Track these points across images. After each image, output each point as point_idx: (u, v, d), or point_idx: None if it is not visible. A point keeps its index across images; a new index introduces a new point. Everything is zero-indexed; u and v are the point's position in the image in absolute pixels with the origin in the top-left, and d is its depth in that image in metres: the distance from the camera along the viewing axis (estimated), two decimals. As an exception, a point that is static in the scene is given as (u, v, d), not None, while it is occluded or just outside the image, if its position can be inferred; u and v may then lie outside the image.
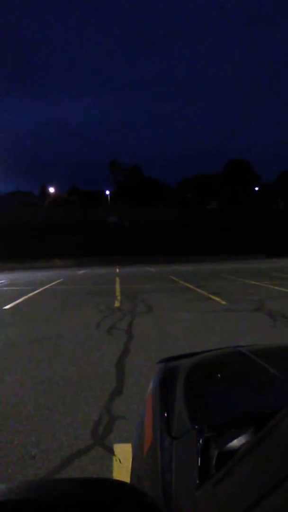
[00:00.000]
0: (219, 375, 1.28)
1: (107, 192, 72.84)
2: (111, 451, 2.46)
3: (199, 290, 11.65)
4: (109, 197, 71.69)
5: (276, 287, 11.51)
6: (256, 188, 72.52)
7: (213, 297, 9.85)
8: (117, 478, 2.13)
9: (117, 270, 26.34)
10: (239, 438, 0.78)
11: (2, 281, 19.10)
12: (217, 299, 9.46)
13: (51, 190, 67.73)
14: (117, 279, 17.29)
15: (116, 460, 2.35)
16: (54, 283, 16.61)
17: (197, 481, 0.71)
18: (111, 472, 2.23)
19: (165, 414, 1.01)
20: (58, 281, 17.77)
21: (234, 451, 0.71)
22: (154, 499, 0.75)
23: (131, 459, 1.21)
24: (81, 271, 26.57)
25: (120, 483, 0.59)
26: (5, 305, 9.63)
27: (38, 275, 23.84)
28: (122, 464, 2.29)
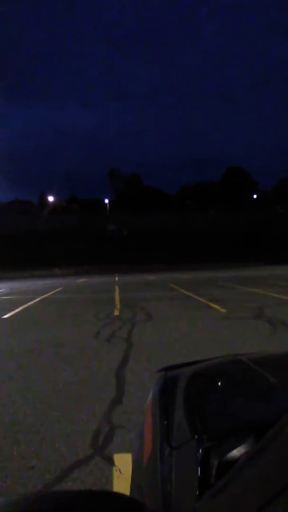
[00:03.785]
0: (219, 384, 1.28)
1: (106, 201, 73.09)
2: (111, 461, 2.44)
3: (198, 298, 11.63)
4: (108, 206, 71.90)
5: (275, 295, 11.50)
6: (255, 196, 72.89)
7: (212, 304, 9.84)
8: (117, 488, 2.11)
9: (116, 278, 26.30)
10: (239, 447, 0.77)
11: (2, 290, 19.05)
12: (216, 306, 9.44)
13: (50, 199, 67.90)
14: (116, 288, 17.26)
15: (116, 470, 2.33)
16: (53, 291, 16.58)
17: (197, 492, 0.71)
18: (111, 482, 2.21)
19: (165, 424, 1.00)
20: (57, 289, 17.74)
21: (234, 461, 0.71)
22: None
23: (131, 469, 1.20)
24: (81, 280, 26.53)
25: (120, 496, 0.59)
26: (4, 314, 9.60)
27: (38, 283, 23.79)
28: (122, 474, 2.27)
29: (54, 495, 0.66)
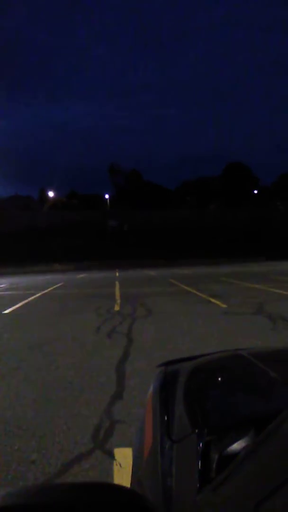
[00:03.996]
0: (219, 379, 1.28)
1: (107, 196, 72.91)
2: (111, 455, 2.45)
3: (198, 293, 11.64)
4: (108, 201, 71.76)
5: (275, 290, 11.50)
6: (255, 191, 72.73)
7: (213, 300, 9.84)
8: (118, 483, 2.12)
9: (117, 274, 26.31)
10: (239, 441, 0.78)
11: (2, 285, 19.07)
12: (217, 302, 9.45)
13: (50, 194, 67.80)
14: (117, 283, 17.27)
15: (116, 464, 2.34)
16: (54, 287, 16.59)
17: (198, 485, 0.71)
18: (112, 476, 2.22)
19: (165, 418, 1.01)
20: (58, 285, 17.76)
21: (235, 454, 0.71)
22: (154, 504, 0.75)
23: (131, 463, 1.21)
24: (81, 275, 26.54)
25: (120, 488, 0.59)
26: (4, 310, 9.62)
27: (38, 279, 23.82)
28: (122, 468, 2.28)
29: (55, 487, 0.66)
